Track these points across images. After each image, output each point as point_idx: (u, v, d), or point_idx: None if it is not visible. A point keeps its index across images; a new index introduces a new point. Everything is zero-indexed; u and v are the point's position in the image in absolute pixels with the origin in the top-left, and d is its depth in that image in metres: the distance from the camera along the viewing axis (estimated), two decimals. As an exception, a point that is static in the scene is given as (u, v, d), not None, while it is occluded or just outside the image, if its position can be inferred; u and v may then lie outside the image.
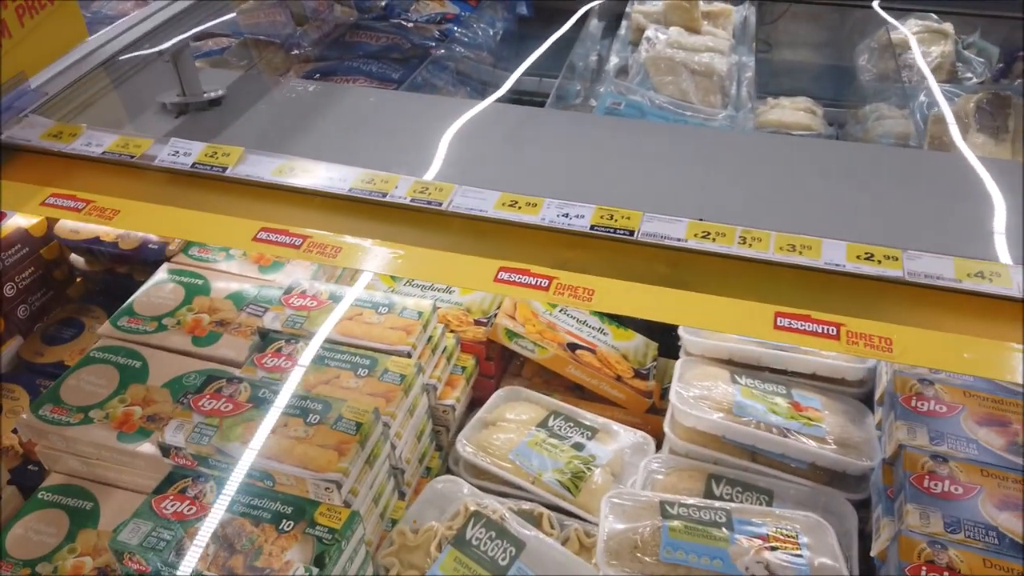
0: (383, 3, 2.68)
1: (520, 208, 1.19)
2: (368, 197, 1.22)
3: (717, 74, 2.37)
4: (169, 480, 1.31)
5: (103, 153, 1.32)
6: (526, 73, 2.24)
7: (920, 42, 2.50)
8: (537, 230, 1.17)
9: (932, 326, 1.01)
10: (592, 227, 1.15)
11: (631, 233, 1.13)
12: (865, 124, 2.46)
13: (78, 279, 2.01)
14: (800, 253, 1.09)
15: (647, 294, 1.09)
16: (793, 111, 2.58)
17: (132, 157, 1.31)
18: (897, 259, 1.07)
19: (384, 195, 1.21)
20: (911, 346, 0.99)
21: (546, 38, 2.62)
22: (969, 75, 2.45)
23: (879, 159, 1.49)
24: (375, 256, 1.16)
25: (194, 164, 1.28)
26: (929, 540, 1.10)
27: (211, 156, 1.29)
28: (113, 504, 1.43)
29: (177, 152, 1.31)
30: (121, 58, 1.71)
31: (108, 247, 1.84)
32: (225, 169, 1.27)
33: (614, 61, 2.52)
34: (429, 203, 1.20)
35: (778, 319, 1.03)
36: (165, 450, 1.31)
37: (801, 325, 1.02)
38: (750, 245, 1.11)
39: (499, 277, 1.10)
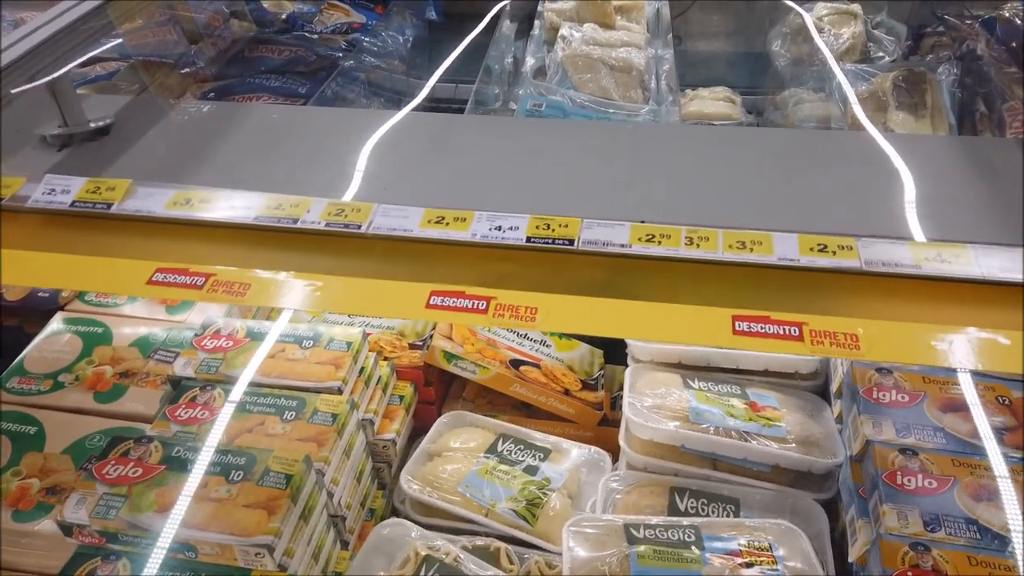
0: (284, 15, 2.53)
1: (448, 224, 1.08)
2: (277, 225, 1.09)
3: (636, 68, 2.32)
4: (74, 562, 1.15)
5: (-36, 197, 1.15)
6: (441, 80, 2.14)
7: (830, 24, 2.52)
8: (469, 247, 1.07)
9: (897, 316, 0.96)
10: (528, 239, 1.05)
11: (571, 242, 1.05)
12: (784, 110, 2.45)
13: (-41, 339, 1.81)
14: (751, 250, 1.02)
15: (595, 308, 1.00)
16: (712, 101, 2.57)
17: (1, 200, 1.15)
18: (852, 248, 1.01)
19: (295, 221, 1.09)
20: (878, 340, 0.93)
21: (459, 43, 2.52)
22: (881, 54, 2.48)
23: (804, 143, 1.45)
24: (290, 290, 1.04)
25: (74, 203, 1.13)
26: (911, 542, 1.04)
27: (93, 192, 1.15)
28: (13, 593, 1.27)
29: (53, 190, 1.15)
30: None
31: (-9, 300, 1.66)
32: (110, 205, 1.13)
33: (530, 62, 2.44)
34: (346, 226, 1.08)
35: (736, 323, 0.96)
36: (67, 529, 1.15)
37: (761, 328, 0.95)
38: (698, 246, 1.03)
39: (431, 303, 1.00)
